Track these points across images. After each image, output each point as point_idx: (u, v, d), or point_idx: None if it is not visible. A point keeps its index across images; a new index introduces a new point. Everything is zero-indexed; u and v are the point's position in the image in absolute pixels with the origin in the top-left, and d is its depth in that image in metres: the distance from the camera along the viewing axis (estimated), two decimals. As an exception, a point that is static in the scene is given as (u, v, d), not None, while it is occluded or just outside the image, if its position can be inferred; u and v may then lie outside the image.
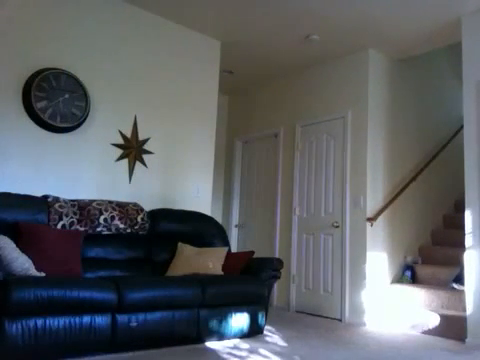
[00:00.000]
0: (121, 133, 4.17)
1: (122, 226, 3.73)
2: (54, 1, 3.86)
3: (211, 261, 3.79)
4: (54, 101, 3.71)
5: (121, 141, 4.16)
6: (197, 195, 4.65)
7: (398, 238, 4.96)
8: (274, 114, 5.86)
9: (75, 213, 3.53)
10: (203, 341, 3.37)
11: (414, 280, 4.84)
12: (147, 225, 3.90)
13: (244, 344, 3.43)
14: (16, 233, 3.13)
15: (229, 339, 3.50)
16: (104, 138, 4.05)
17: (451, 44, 4.71)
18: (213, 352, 3.19)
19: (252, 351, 3.24)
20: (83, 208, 3.58)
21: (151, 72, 4.41)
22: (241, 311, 3.53)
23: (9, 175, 3.51)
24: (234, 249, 5.99)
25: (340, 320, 4.69)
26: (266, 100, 6.02)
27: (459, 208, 5.51)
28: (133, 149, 4.22)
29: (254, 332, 3.66)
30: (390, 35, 4.59)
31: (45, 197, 3.50)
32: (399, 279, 4.87)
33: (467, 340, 3.74)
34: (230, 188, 6.30)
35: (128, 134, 4.21)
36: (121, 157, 4.15)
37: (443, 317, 4.09)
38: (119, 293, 2.96)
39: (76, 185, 3.83)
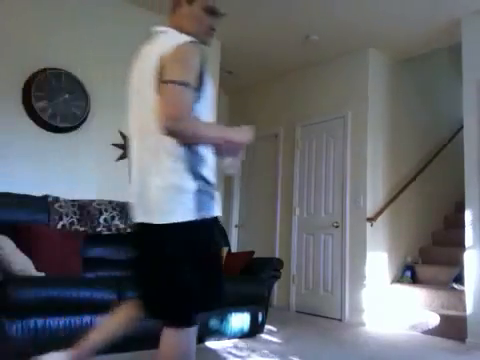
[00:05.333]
0: (121, 133, 4.17)
1: (122, 226, 3.73)
2: (54, 1, 3.86)
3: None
4: (54, 101, 3.71)
5: (121, 141, 4.16)
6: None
7: (398, 238, 4.96)
8: (274, 114, 5.85)
9: (75, 213, 3.53)
10: (203, 341, 3.36)
11: (414, 280, 4.83)
12: (147, 225, 3.90)
13: (244, 344, 3.43)
14: (16, 233, 3.13)
15: (229, 339, 3.50)
16: (104, 138, 4.05)
17: (451, 44, 4.70)
18: (213, 352, 3.19)
19: (252, 351, 3.24)
20: (83, 208, 3.58)
21: (151, 72, 4.40)
22: (241, 311, 3.53)
23: (9, 175, 3.50)
24: (234, 249, 5.99)
25: (340, 320, 4.69)
26: (266, 100, 6.02)
27: (460, 208, 5.49)
28: (133, 149, 4.22)
29: (254, 332, 3.66)
30: (390, 35, 4.59)
31: (45, 197, 3.50)
32: (399, 279, 4.86)
33: (467, 340, 3.73)
34: (230, 188, 6.30)
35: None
36: (121, 157, 4.15)
37: (443, 317, 4.09)
38: (119, 293, 2.96)
39: (76, 185, 3.83)
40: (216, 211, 1.64)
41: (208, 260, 1.63)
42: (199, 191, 1.58)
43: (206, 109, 1.67)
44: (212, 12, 1.78)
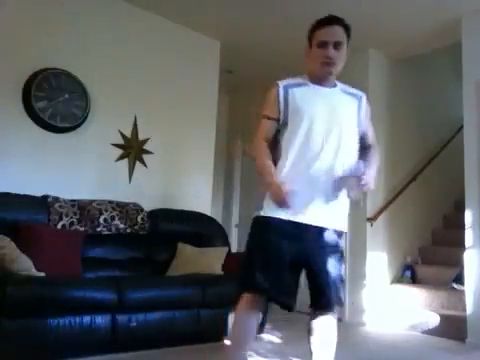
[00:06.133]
0: (121, 133, 4.16)
1: (122, 226, 3.73)
2: (54, 1, 3.86)
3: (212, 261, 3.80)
4: (54, 101, 3.70)
5: (121, 141, 4.16)
6: (197, 196, 4.64)
7: (398, 238, 4.96)
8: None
9: (75, 213, 3.52)
10: (203, 341, 3.36)
11: (414, 280, 4.83)
12: (147, 225, 3.90)
13: (244, 344, 3.42)
14: (16, 233, 3.12)
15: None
16: (104, 138, 4.05)
17: (451, 44, 4.69)
18: (213, 352, 3.19)
19: (252, 351, 3.23)
20: (83, 208, 3.57)
21: (151, 72, 4.40)
22: (241, 311, 3.52)
23: (9, 175, 3.50)
24: (234, 249, 5.97)
25: (340, 320, 4.66)
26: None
27: (459, 208, 5.49)
28: (133, 149, 4.22)
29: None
30: (390, 35, 4.59)
31: (45, 197, 3.49)
32: (399, 279, 4.86)
33: (467, 340, 3.73)
34: (230, 188, 6.29)
35: (128, 134, 4.21)
36: (121, 157, 4.15)
37: (443, 317, 4.09)
38: (119, 293, 2.96)
39: (76, 185, 3.83)
40: (264, 212, 2.01)
41: (246, 248, 2.14)
42: (258, 197, 2.06)
43: (293, 134, 2.02)
44: (323, 44, 2.08)
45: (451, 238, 4.98)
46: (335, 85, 2.14)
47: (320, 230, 2.00)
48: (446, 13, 4.10)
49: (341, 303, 2.04)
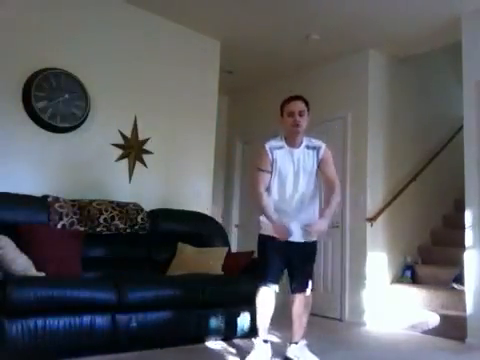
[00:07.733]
0: (121, 133, 4.17)
1: (122, 226, 3.73)
2: (54, 1, 3.86)
3: (211, 260, 3.80)
4: (54, 101, 3.71)
5: (121, 141, 4.16)
6: (198, 195, 4.64)
7: (398, 238, 4.96)
8: (274, 114, 5.82)
9: (75, 213, 3.53)
10: (203, 341, 3.36)
11: (414, 280, 4.83)
12: (147, 225, 3.90)
13: (244, 344, 3.43)
14: (16, 233, 3.12)
15: (229, 339, 3.50)
16: (104, 138, 4.05)
17: (451, 44, 4.69)
18: (213, 352, 3.19)
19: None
20: (83, 208, 3.57)
21: (151, 72, 4.40)
22: (241, 311, 3.53)
23: (9, 175, 3.50)
24: (234, 249, 5.98)
25: (340, 320, 4.69)
26: (266, 100, 6.00)
27: (459, 208, 5.48)
28: (133, 149, 4.22)
29: (254, 332, 3.64)
30: (390, 35, 4.59)
31: (45, 197, 3.49)
32: (399, 279, 4.86)
33: (467, 340, 3.73)
34: (230, 188, 6.30)
35: (128, 134, 4.21)
36: (121, 157, 4.15)
37: (443, 317, 4.09)
38: (119, 293, 2.96)
39: (76, 185, 3.83)
40: (263, 231, 2.97)
41: (258, 256, 3.08)
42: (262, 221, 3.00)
43: (276, 181, 2.95)
44: (291, 114, 2.95)
45: (451, 238, 4.98)
46: (301, 143, 2.97)
47: (296, 243, 2.92)
48: (446, 13, 4.11)
49: (308, 287, 3.01)
